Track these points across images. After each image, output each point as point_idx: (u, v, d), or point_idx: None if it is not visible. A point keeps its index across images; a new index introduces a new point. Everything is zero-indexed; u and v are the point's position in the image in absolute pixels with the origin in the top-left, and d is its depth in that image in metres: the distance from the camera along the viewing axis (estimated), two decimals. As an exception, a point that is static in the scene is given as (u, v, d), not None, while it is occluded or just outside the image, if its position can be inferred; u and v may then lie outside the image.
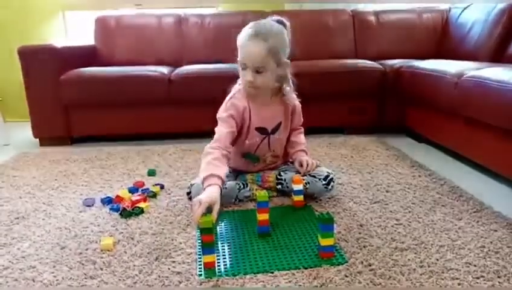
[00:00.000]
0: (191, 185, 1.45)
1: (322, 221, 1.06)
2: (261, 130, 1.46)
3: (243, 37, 1.34)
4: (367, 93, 2.48)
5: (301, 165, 1.47)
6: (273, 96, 1.46)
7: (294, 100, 1.51)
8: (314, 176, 1.46)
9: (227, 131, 1.37)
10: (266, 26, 1.34)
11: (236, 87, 1.46)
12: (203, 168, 1.29)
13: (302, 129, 1.61)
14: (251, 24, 1.36)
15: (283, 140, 1.54)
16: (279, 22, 1.40)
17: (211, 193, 1.20)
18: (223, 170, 1.29)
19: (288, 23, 1.42)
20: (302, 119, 1.61)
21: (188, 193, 1.44)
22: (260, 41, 1.30)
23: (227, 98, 1.44)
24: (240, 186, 1.47)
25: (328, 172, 1.48)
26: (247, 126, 1.43)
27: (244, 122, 1.43)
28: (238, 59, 1.35)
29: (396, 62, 2.51)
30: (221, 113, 1.41)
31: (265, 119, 1.45)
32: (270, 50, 1.30)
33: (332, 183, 1.47)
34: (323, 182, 1.45)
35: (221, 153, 1.33)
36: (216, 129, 1.40)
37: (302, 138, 1.59)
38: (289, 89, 1.46)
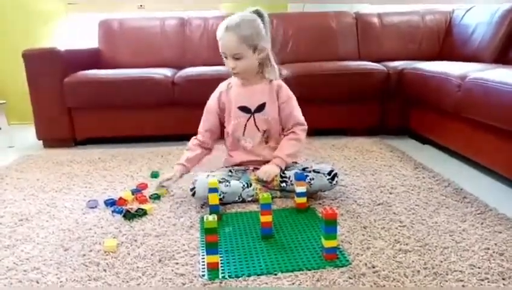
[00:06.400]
0: (195, 180, 1.47)
1: (325, 223, 1.06)
2: (244, 109, 1.55)
3: (218, 31, 1.47)
4: (370, 95, 2.47)
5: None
6: (255, 77, 1.56)
7: (278, 82, 1.58)
8: (318, 172, 1.49)
9: (203, 123, 1.64)
10: (236, 18, 1.46)
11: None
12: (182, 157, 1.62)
13: (299, 136, 1.56)
14: (225, 20, 1.48)
15: (271, 122, 1.56)
16: (256, 11, 1.51)
17: (176, 168, 1.59)
18: (189, 156, 1.60)
19: (265, 14, 1.53)
20: (301, 117, 1.57)
21: (192, 189, 1.46)
22: (231, 32, 1.44)
23: None
24: (244, 186, 1.49)
25: (331, 168, 1.51)
26: (229, 106, 1.57)
27: (225, 104, 1.58)
28: (220, 49, 1.48)
29: (399, 64, 2.51)
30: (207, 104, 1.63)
31: (246, 98, 1.55)
32: (242, 38, 1.44)
33: (336, 179, 1.50)
34: (328, 177, 1.48)
35: (195, 144, 1.63)
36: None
37: (289, 145, 1.55)
38: (270, 70, 1.56)
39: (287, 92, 1.58)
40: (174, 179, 1.58)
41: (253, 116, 1.55)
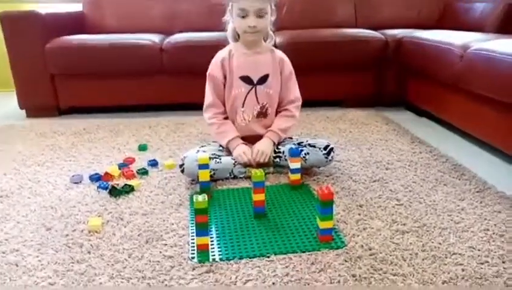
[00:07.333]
0: (184, 157, 1.40)
1: (321, 203, 1.01)
2: (246, 79, 1.47)
3: None
4: (367, 64, 2.38)
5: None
6: (260, 42, 1.49)
7: (280, 54, 1.53)
8: (314, 146, 1.44)
9: (212, 92, 1.49)
10: None
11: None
12: (219, 138, 1.50)
13: (293, 112, 1.52)
14: None
15: (273, 96, 1.50)
16: None
17: (242, 148, 1.45)
18: (233, 128, 1.49)
19: None
20: (299, 96, 1.53)
21: (181, 166, 1.39)
22: None
23: None
24: (235, 162, 1.43)
25: (327, 142, 1.46)
26: (230, 75, 1.47)
27: (227, 72, 1.47)
28: (239, 7, 1.37)
29: (398, 32, 2.41)
30: (208, 71, 1.50)
31: (249, 68, 1.47)
32: None
33: (332, 154, 1.45)
34: (324, 152, 1.43)
35: (221, 118, 1.50)
36: (206, 88, 1.50)
37: (283, 120, 1.51)
38: (271, 36, 1.51)
39: (289, 67, 1.52)
40: (248, 157, 1.43)
41: (255, 88, 1.47)
